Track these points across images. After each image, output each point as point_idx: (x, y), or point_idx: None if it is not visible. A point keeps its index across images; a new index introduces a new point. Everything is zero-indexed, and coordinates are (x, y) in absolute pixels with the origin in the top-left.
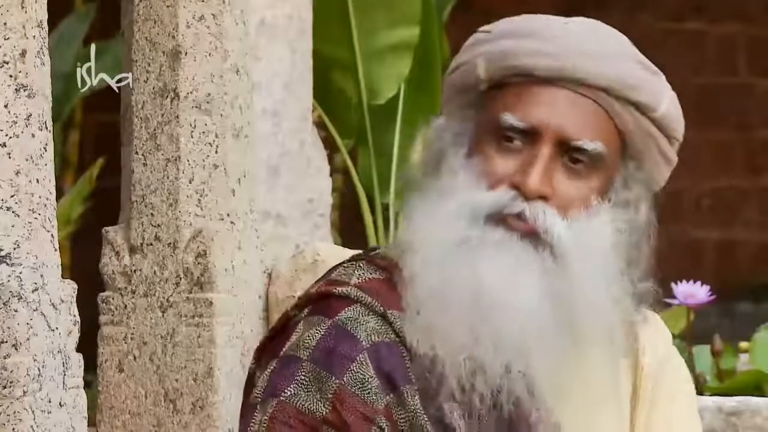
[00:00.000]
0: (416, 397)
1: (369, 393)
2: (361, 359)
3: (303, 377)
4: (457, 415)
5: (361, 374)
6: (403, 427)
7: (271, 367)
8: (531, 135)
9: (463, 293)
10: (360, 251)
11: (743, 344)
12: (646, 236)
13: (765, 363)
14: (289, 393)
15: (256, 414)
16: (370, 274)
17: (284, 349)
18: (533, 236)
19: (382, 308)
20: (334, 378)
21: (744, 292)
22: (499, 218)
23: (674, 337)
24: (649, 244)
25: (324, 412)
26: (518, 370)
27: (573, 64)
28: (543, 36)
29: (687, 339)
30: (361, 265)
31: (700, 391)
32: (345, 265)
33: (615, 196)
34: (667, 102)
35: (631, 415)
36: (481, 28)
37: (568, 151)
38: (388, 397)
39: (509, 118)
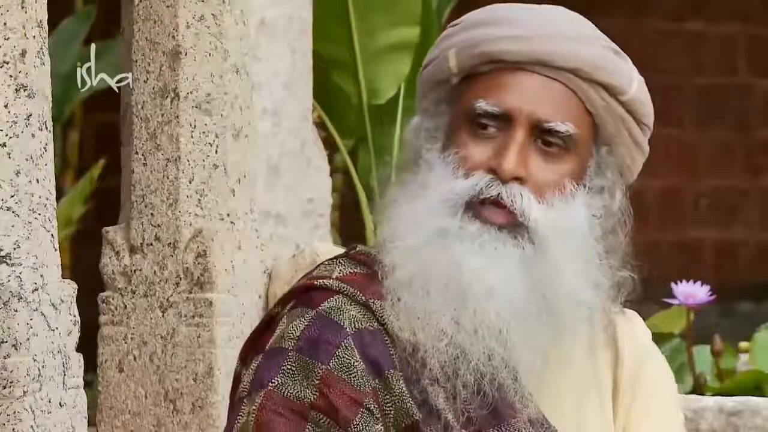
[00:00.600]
0: (401, 382)
1: (356, 377)
2: (346, 344)
3: (289, 367)
4: (441, 399)
5: (347, 359)
6: (389, 412)
7: (257, 362)
8: (504, 120)
9: (443, 279)
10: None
11: (743, 344)
12: (622, 224)
13: (765, 363)
14: (276, 382)
15: (243, 406)
16: (351, 268)
17: (269, 344)
18: (510, 227)
19: (363, 297)
20: (319, 364)
21: (744, 292)
22: (476, 209)
23: (674, 337)
24: (625, 232)
25: (312, 398)
26: (501, 357)
27: (541, 48)
28: (510, 22)
29: (687, 339)
30: (342, 261)
31: (700, 391)
32: (326, 263)
33: (589, 182)
34: (636, 85)
35: (613, 411)
36: (451, 23)
37: (541, 134)
38: (374, 382)
39: (482, 105)
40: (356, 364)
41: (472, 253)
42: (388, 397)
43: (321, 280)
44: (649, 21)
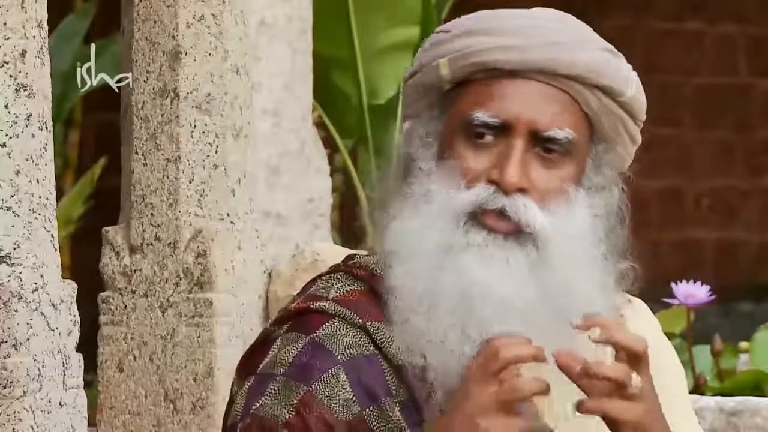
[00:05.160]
0: (396, 410)
1: (336, 404)
2: (334, 372)
3: (274, 389)
4: None
5: (332, 385)
6: None
7: (248, 385)
8: (503, 129)
9: (452, 297)
10: (352, 252)
11: (743, 344)
12: (621, 219)
13: (765, 363)
14: (258, 405)
15: None
16: (349, 285)
17: (261, 367)
18: (516, 234)
19: (361, 321)
20: (303, 385)
21: (744, 292)
22: (480, 220)
23: (674, 336)
24: (624, 225)
25: (287, 417)
26: None
27: (541, 57)
28: (504, 30)
29: (687, 339)
30: (340, 276)
31: (700, 391)
32: (324, 277)
33: (588, 182)
34: (634, 85)
35: None
36: (439, 28)
37: (540, 142)
38: (367, 410)
39: (480, 115)
40: (339, 393)
41: (479, 264)
42: (383, 423)
43: (318, 303)
44: (649, 21)
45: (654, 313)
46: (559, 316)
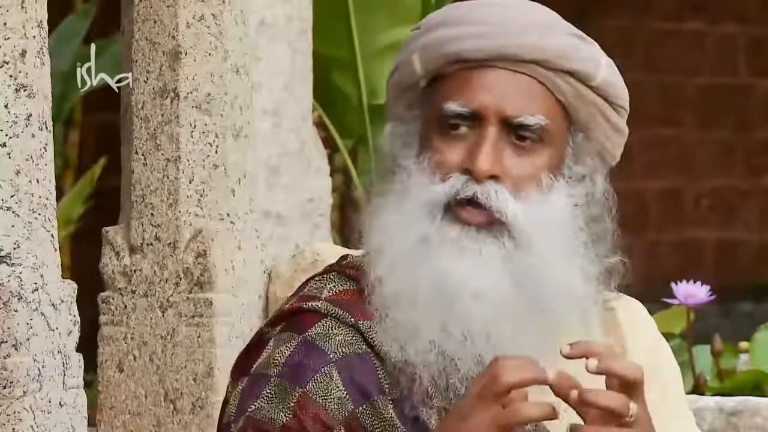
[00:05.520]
0: (389, 407)
1: (331, 402)
2: (326, 371)
3: (269, 391)
4: (434, 419)
5: (325, 384)
6: None
7: (242, 385)
8: (475, 119)
9: (428, 289)
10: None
11: (743, 344)
12: (607, 209)
13: (765, 363)
14: (254, 407)
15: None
16: (342, 285)
17: (254, 367)
18: (490, 226)
19: (353, 319)
20: (297, 387)
21: (744, 292)
22: (455, 213)
23: (674, 336)
24: (612, 218)
25: (284, 420)
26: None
27: (503, 43)
28: (468, 20)
29: (687, 339)
30: (332, 277)
31: (700, 391)
32: (317, 278)
33: (568, 171)
34: (603, 69)
35: None
36: (413, 27)
37: (512, 129)
38: (360, 408)
39: (451, 106)
40: (334, 391)
41: (454, 259)
42: (377, 422)
43: (310, 303)
44: (649, 21)
45: (654, 313)
46: (537, 307)
